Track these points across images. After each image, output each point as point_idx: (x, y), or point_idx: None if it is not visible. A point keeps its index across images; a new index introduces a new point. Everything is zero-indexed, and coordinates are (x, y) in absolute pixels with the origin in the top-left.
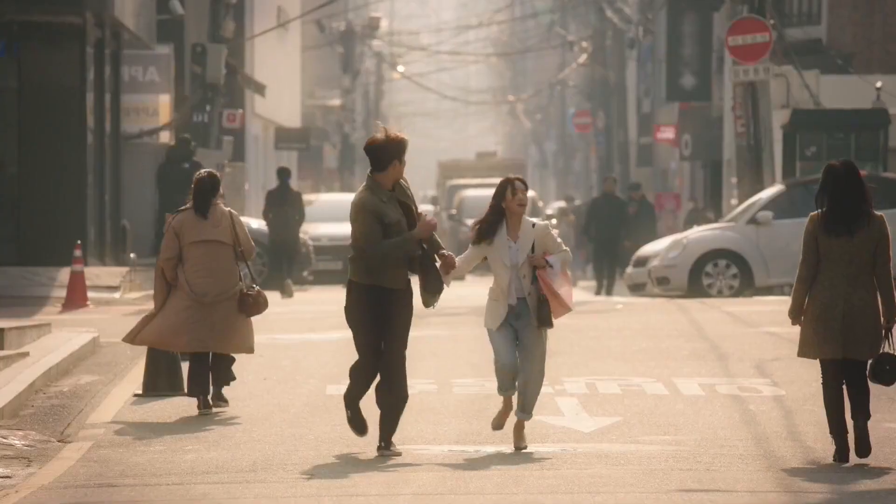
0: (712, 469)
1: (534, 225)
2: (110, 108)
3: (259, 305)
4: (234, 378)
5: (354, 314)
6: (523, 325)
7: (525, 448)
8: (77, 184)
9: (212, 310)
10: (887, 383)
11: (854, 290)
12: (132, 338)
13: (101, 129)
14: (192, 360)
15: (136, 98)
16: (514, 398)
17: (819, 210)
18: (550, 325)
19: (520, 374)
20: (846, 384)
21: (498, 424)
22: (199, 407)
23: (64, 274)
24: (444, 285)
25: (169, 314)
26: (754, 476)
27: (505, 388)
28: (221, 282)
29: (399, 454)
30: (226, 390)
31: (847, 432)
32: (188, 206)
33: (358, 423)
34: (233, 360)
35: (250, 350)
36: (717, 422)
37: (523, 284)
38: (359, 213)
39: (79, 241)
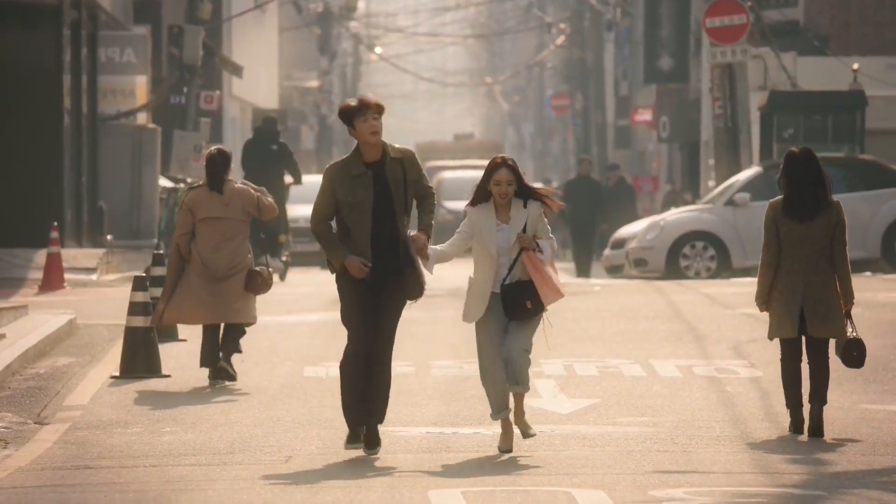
0: (689, 450)
1: (525, 204)
2: (87, 89)
3: (267, 284)
4: (240, 350)
5: (344, 286)
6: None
7: (534, 434)
8: (54, 165)
9: (223, 284)
10: (858, 366)
11: (814, 273)
12: (158, 320)
13: (78, 111)
14: (206, 333)
15: (113, 79)
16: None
17: (779, 196)
18: (522, 317)
19: (503, 349)
20: (809, 363)
21: (507, 447)
22: (210, 377)
23: (41, 256)
24: (421, 292)
25: (186, 291)
26: (731, 457)
27: (499, 409)
28: (232, 256)
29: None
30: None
31: (802, 406)
32: (202, 182)
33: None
34: (242, 332)
35: (254, 320)
36: (694, 403)
37: (516, 269)
38: (321, 182)
39: (55, 223)
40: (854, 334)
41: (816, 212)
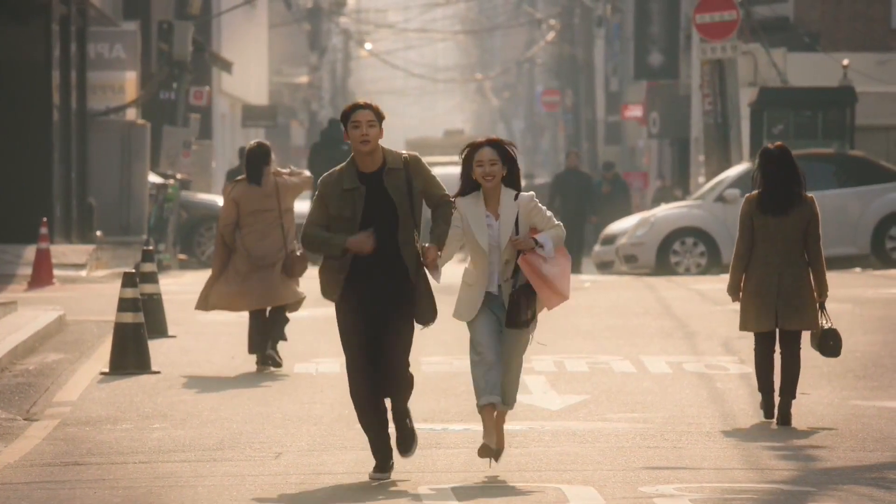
0: (679, 446)
1: (516, 197)
2: (76, 85)
3: (304, 266)
4: (285, 338)
5: (342, 327)
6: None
7: (499, 452)
8: (43, 161)
9: (270, 270)
10: (835, 356)
11: (787, 266)
12: (203, 305)
13: (67, 107)
14: (251, 318)
15: (103, 75)
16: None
17: (754, 191)
18: (523, 326)
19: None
20: (781, 355)
21: (487, 451)
22: (257, 363)
23: (30, 251)
24: (433, 316)
25: (232, 279)
26: (721, 453)
27: (487, 391)
28: (276, 243)
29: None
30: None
31: (773, 391)
32: (243, 176)
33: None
34: (286, 320)
35: (300, 296)
36: (684, 399)
37: (505, 269)
38: (316, 193)
39: (45, 219)
40: (829, 325)
41: (790, 206)
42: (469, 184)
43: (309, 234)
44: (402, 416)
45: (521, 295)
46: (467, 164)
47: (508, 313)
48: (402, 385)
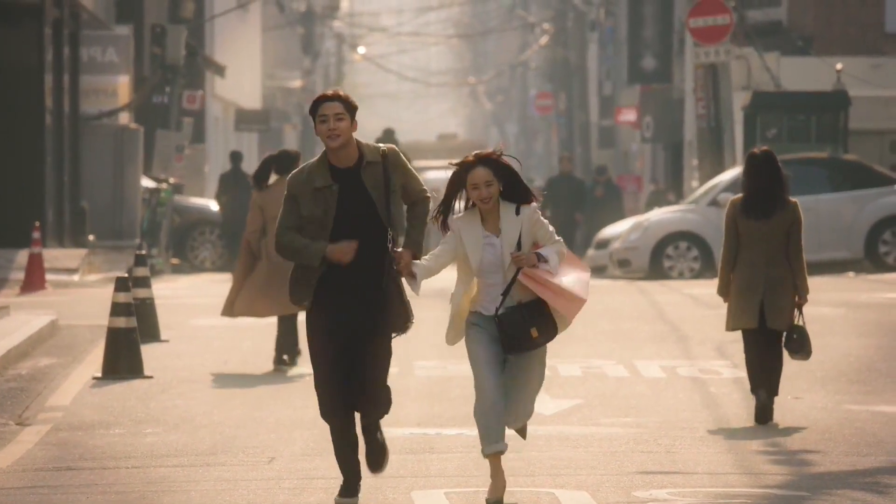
0: (673, 451)
1: (518, 211)
2: (69, 88)
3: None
4: (299, 353)
5: (311, 339)
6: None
7: None
8: (35, 165)
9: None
10: (794, 352)
11: (772, 268)
12: (229, 311)
13: (60, 110)
14: (280, 321)
15: (95, 79)
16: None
17: (739, 195)
18: (525, 349)
19: (506, 396)
20: (764, 354)
21: (497, 498)
22: (275, 363)
23: (22, 256)
24: (406, 324)
25: (255, 286)
26: (715, 458)
27: (491, 440)
28: None
29: None
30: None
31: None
32: (271, 183)
33: (348, 487)
34: (296, 333)
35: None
36: (677, 404)
37: (513, 291)
38: (285, 193)
39: (37, 223)
40: (800, 323)
41: (773, 210)
42: (454, 198)
43: (283, 240)
44: (374, 430)
45: (518, 315)
46: (458, 186)
47: (505, 339)
48: (379, 403)
